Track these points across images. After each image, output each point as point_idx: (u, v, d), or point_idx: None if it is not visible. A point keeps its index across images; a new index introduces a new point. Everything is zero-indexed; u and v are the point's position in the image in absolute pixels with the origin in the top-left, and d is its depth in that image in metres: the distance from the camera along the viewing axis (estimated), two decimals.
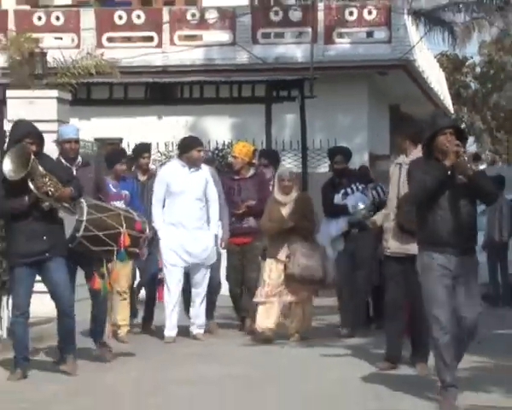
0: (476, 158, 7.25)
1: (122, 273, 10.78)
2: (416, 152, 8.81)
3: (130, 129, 21.63)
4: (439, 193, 7.33)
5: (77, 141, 9.68)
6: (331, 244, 11.46)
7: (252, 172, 11.82)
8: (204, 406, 7.58)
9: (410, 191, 7.74)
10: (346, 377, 8.80)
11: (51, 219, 8.61)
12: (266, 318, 10.75)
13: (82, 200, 9.02)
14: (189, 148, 11.16)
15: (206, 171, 11.24)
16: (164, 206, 11.13)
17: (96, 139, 17.90)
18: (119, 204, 10.62)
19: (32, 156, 8.42)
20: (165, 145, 21.72)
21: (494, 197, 7.81)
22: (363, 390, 8.15)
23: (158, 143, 21.69)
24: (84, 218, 8.93)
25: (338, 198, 11.43)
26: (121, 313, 11.12)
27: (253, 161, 12.13)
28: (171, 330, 11.07)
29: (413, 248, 8.61)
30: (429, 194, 7.36)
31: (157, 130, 22.33)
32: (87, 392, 8.20)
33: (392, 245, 9.04)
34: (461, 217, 7.33)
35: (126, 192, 11.17)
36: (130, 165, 11.99)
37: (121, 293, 11.07)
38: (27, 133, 8.63)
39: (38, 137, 8.70)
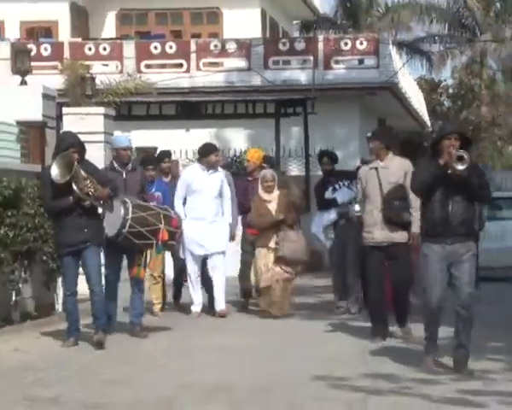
0: (460, 159, 6.95)
1: (156, 261, 10.60)
2: (389, 158, 9.01)
3: (163, 139, 21.53)
4: (435, 188, 7.16)
5: (130, 149, 9.65)
6: (323, 232, 11.32)
7: None
8: (223, 369, 7.53)
9: (411, 185, 7.56)
10: (339, 345, 8.73)
11: (91, 214, 8.59)
12: (270, 297, 10.61)
13: (127, 200, 8.96)
14: (208, 153, 10.95)
15: (221, 173, 11.08)
16: (185, 203, 10.94)
17: (135, 148, 17.84)
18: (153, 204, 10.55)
19: (76, 163, 8.41)
20: (193, 153, 21.67)
21: (485, 196, 7.47)
22: (354, 356, 8.07)
23: (186, 151, 21.70)
24: (130, 216, 8.86)
25: (328, 193, 11.26)
26: (155, 293, 11.06)
27: (264, 165, 12.03)
28: (196, 307, 10.94)
29: (397, 236, 8.82)
30: (425, 187, 7.20)
31: (185, 140, 22.28)
32: (126, 358, 8.16)
33: (378, 235, 8.85)
34: (455, 211, 7.12)
35: (159, 193, 11.10)
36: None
37: (156, 277, 11.03)
38: (71, 144, 8.59)
39: (81, 147, 8.66)
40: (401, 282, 9.03)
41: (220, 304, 10.86)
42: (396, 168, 9.00)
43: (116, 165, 9.59)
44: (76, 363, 7.77)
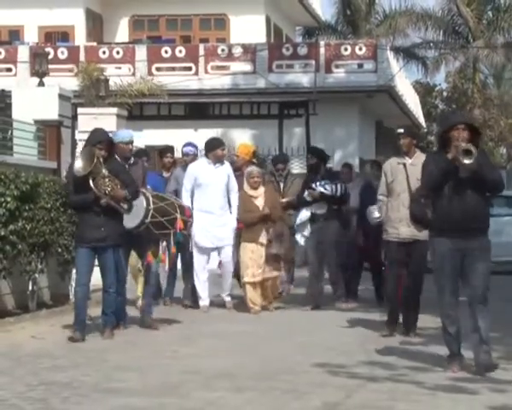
0: (467, 153, 6.49)
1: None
2: (416, 155, 8.58)
3: (172, 139, 21.49)
4: (445, 183, 6.66)
5: (132, 143, 9.30)
6: (297, 229, 10.75)
7: None
8: (226, 356, 7.50)
9: (421, 181, 7.14)
10: (338, 335, 8.68)
11: (111, 214, 8.27)
12: (256, 294, 10.16)
13: (145, 191, 8.76)
14: (214, 147, 10.62)
15: (228, 167, 10.70)
16: (192, 196, 10.62)
17: (146, 146, 17.80)
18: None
19: (96, 158, 8.14)
20: (200, 151, 21.62)
21: (497, 187, 6.80)
22: (353, 345, 8.03)
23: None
24: (152, 206, 8.65)
25: (305, 194, 10.73)
26: (141, 286, 10.39)
27: (254, 160, 11.68)
28: (205, 301, 10.48)
29: (421, 234, 8.20)
30: (435, 183, 6.72)
31: (194, 139, 22.19)
32: (135, 345, 8.12)
33: (404, 232, 8.41)
34: (466, 205, 6.59)
35: (148, 187, 10.56)
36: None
37: (141, 269, 10.37)
38: (100, 140, 8.38)
39: (109, 144, 8.42)
40: (415, 278, 8.55)
41: (226, 295, 10.60)
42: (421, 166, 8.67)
43: (119, 159, 9.12)
44: (88, 350, 7.74)
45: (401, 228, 8.44)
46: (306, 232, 10.67)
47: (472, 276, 6.65)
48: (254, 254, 10.18)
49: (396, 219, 8.47)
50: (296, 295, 11.47)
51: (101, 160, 8.22)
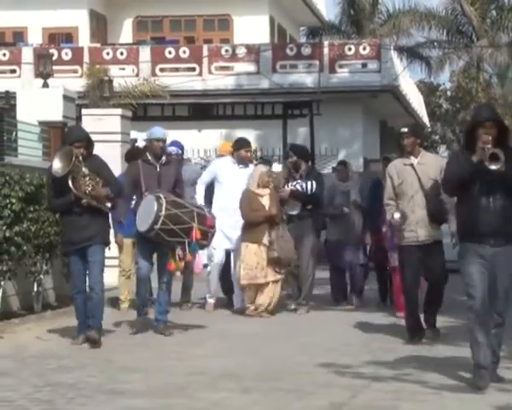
0: (494, 157, 6.01)
1: (127, 253, 10.13)
2: (422, 154, 8.28)
3: (177, 139, 21.57)
4: (470, 184, 6.15)
5: (164, 140, 8.85)
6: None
7: None
8: (231, 357, 7.50)
9: (442, 183, 6.74)
10: (343, 335, 8.68)
11: (94, 212, 7.92)
12: (258, 297, 9.87)
13: (161, 196, 8.38)
14: (239, 147, 10.41)
15: (251, 169, 10.40)
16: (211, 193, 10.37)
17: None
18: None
19: (74, 157, 7.75)
20: (204, 152, 21.70)
21: None
22: (358, 345, 8.03)
23: (198, 150, 21.68)
24: (163, 213, 8.26)
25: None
26: (124, 288, 10.28)
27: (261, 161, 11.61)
28: (212, 299, 10.38)
29: (436, 233, 8.07)
30: (456, 186, 6.23)
31: (198, 140, 22.27)
32: (141, 347, 8.12)
33: (423, 234, 8.04)
34: (494, 209, 6.11)
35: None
36: None
37: (126, 271, 10.27)
38: (77, 138, 7.97)
39: (87, 142, 7.99)
40: (438, 280, 8.27)
41: (239, 300, 10.29)
42: (432, 164, 8.23)
43: (150, 157, 8.83)
44: (93, 351, 7.75)
45: (419, 230, 8.05)
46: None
47: (495, 287, 6.19)
48: (257, 255, 9.87)
49: (412, 221, 8.04)
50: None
51: (80, 158, 7.85)
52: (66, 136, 8.30)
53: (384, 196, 8.36)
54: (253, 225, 9.94)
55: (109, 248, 8.37)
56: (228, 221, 10.13)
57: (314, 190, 10.25)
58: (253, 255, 9.86)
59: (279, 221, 10.01)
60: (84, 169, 7.84)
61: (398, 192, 8.16)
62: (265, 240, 9.88)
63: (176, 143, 10.79)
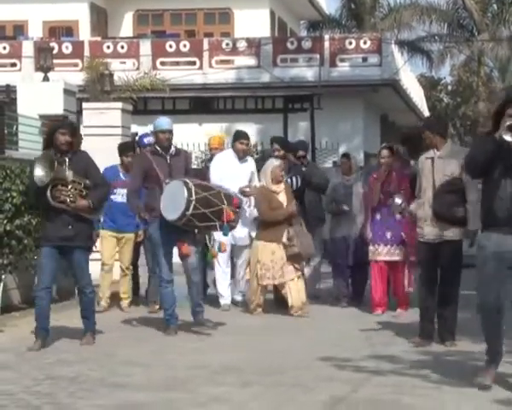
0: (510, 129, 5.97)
1: (125, 251, 9.79)
2: (446, 147, 7.74)
3: (177, 133, 21.55)
4: (493, 167, 5.77)
5: (170, 131, 8.36)
6: (253, 224, 9.96)
7: None
8: (232, 350, 7.51)
9: (464, 160, 6.23)
10: (344, 330, 8.68)
11: (70, 212, 7.47)
12: (262, 296, 9.57)
13: (188, 181, 7.96)
14: (234, 139, 10.06)
15: (252, 164, 10.11)
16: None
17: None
18: (125, 191, 9.32)
19: (56, 163, 7.29)
20: (205, 145, 21.66)
21: None
22: (359, 340, 8.04)
23: (199, 144, 21.69)
24: (194, 197, 7.85)
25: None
26: (123, 286, 9.90)
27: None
28: (226, 299, 9.97)
29: (448, 233, 7.56)
30: (478, 166, 5.85)
31: (198, 134, 22.26)
32: (142, 340, 8.13)
33: (429, 232, 7.61)
34: None
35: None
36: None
37: (124, 269, 9.87)
38: (60, 125, 7.53)
39: (71, 128, 7.52)
40: (450, 284, 7.65)
41: (240, 293, 10.14)
42: (452, 159, 7.63)
43: (159, 149, 8.39)
44: (94, 345, 7.75)
45: (426, 228, 7.65)
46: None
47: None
48: (275, 255, 9.41)
49: (421, 218, 7.70)
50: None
51: (67, 159, 7.39)
52: (50, 125, 7.85)
53: (416, 190, 7.96)
54: (270, 224, 9.48)
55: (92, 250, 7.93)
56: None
57: (299, 185, 10.08)
58: (270, 255, 9.42)
59: (295, 216, 9.63)
60: (67, 173, 7.38)
61: (420, 186, 7.79)
62: (284, 238, 9.46)
63: (150, 134, 10.11)
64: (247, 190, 9.86)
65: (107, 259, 9.82)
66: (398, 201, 8.10)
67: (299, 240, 9.41)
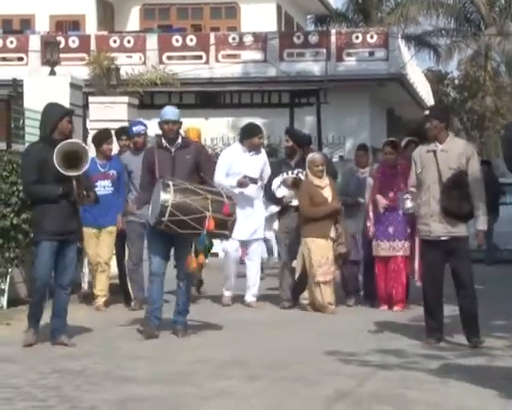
0: None
1: (104, 245, 9.41)
2: (449, 139, 7.44)
3: (183, 127, 21.58)
4: None
5: (175, 122, 7.81)
6: (265, 223, 9.79)
7: None
8: (237, 344, 7.51)
9: (504, 154, 6.06)
10: (349, 325, 8.68)
11: (74, 206, 7.33)
12: (331, 293, 9.23)
13: (170, 183, 7.46)
14: (251, 134, 9.63)
15: (263, 155, 9.76)
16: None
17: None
18: (107, 183, 9.37)
19: (88, 155, 7.10)
20: (211, 140, 21.70)
21: None
22: (364, 334, 8.03)
23: (205, 139, 21.62)
24: (169, 203, 7.36)
25: (274, 185, 9.64)
26: (100, 283, 9.44)
27: (312, 147, 10.28)
28: (228, 292, 9.78)
29: (457, 230, 7.29)
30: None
31: (205, 128, 22.17)
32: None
33: (436, 229, 7.30)
34: None
35: (114, 171, 9.46)
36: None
37: (102, 264, 9.42)
38: (66, 113, 7.26)
39: (72, 116, 7.31)
40: (463, 284, 7.38)
41: (251, 296, 9.71)
42: (457, 152, 7.37)
43: (164, 142, 7.86)
44: (99, 338, 7.77)
45: (432, 225, 7.32)
46: (276, 226, 9.80)
47: None
48: (326, 250, 9.17)
49: (426, 214, 7.36)
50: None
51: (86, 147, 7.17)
52: (51, 112, 7.29)
53: (408, 183, 7.77)
54: (316, 219, 9.17)
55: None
56: (241, 212, 9.16)
57: None
58: (321, 250, 9.16)
59: (340, 213, 9.36)
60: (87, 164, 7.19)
61: (419, 181, 7.48)
62: (332, 234, 9.20)
63: (141, 122, 9.89)
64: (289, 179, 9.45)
65: (94, 257, 9.47)
66: (408, 204, 7.68)
67: (346, 238, 9.18)
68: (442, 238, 7.32)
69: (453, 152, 7.39)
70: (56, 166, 6.97)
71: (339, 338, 7.77)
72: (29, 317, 7.36)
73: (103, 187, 9.31)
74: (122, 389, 5.78)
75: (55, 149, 6.98)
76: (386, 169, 9.50)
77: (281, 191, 9.66)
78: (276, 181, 9.65)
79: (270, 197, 9.83)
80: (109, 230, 9.44)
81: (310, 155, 9.51)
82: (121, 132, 10.08)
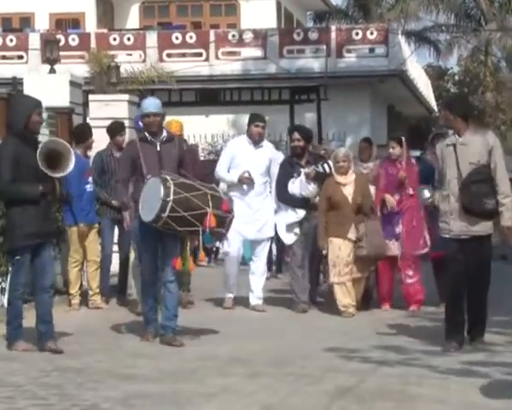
0: None
1: (95, 243, 9.28)
2: (469, 132, 7.02)
3: (184, 125, 21.58)
4: None
5: (156, 114, 7.38)
6: (287, 229, 9.14)
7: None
8: (240, 341, 7.51)
9: None
10: (352, 322, 8.68)
11: (50, 206, 7.03)
12: (345, 296, 8.78)
13: (168, 178, 7.05)
14: (249, 123, 9.18)
15: (269, 149, 9.24)
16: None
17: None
18: (90, 180, 9.20)
19: (72, 154, 6.75)
20: (211, 137, 21.71)
21: None
22: (366, 331, 8.04)
23: (206, 136, 21.68)
24: (171, 198, 6.94)
25: (292, 186, 9.05)
26: (95, 282, 9.28)
27: (333, 142, 10.29)
28: (231, 294, 9.31)
29: (479, 228, 6.95)
30: None
31: (205, 126, 22.25)
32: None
33: (455, 227, 6.93)
34: None
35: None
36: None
37: (96, 262, 9.26)
38: (36, 104, 6.78)
39: (42, 108, 6.86)
40: (479, 283, 7.06)
41: (256, 299, 9.23)
42: (478, 145, 6.97)
43: (147, 135, 7.42)
44: (102, 336, 7.77)
45: (452, 223, 6.94)
46: (297, 230, 9.13)
47: None
48: (342, 251, 8.74)
49: (446, 212, 6.98)
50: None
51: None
52: (20, 104, 6.88)
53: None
54: (337, 218, 8.75)
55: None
56: (245, 210, 8.95)
57: (327, 172, 9.05)
58: (337, 251, 8.75)
59: (368, 212, 8.84)
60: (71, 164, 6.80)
61: (441, 175, 7.08)
62: (352, 235, 8.74)
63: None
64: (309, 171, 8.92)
65: (95, 255, 9.32)
66: (426, 194, 7.35)
67: (369, 240, 8.64)
68: (462, 237, 6.96)
69: (473, 145, 6.97)
70: (41, 166, 6.59)
71: (340, 335, 7.78)
72: (11, 328, 6.96)
73: (90, 184, 9.21)
74: (124, 387, 5.78)
75: (39, 149, 6.62)
76: (390, 166, 9.26)
77: (303, 187, 8.99)
78: (293, 183, 9.04)
79: (285, 200, 9.11)
80: (98, 227, 9.38)
81: (334, 151, 9.12)
82: (121, 128, 9.80)
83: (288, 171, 9.14)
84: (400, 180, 9.11)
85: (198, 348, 7.16)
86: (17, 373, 6.20)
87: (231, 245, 9.15)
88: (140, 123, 8.39)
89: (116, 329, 8.14)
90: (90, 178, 9.24)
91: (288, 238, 9.13)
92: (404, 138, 9.37)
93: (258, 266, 9.25)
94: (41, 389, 5.74)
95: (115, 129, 9.72)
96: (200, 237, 7.13)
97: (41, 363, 6.53)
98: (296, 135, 9.22)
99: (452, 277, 7.03)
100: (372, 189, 9.24)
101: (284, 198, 9.12)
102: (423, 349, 7.02)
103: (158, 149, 7.37)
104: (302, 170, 9.05)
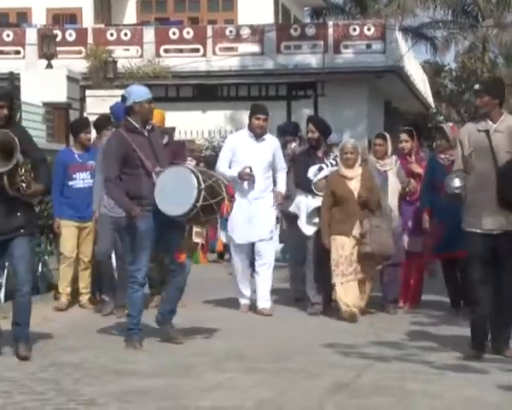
0: None
1: (88, 242, 8.87)
2: (503, 118, 6.46)
3: (181, 121, 21.56)
4: None
5: (152, 101, 6.99)
6: (306, 219, 8.67)
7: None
8: (238, 337, 7.51)
9: None
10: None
11: (16, 200, 6.31)
12: (347, 295, 8.29)
13: (190, 166, 6.75)
14: (250, 115, 8.66)
15: (273, 142, 8.74)
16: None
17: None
18: (85, 175, 8.74)
19: (17, 149, 6.03)
20: (209, 133, 21.72)
21: None
22: (364, 326, 8.04)
23: (203, 131, 21.70)
24: (203, 185, 6.63)
25: (313, 172, 8.60)
26: (83, 281, 8.96)
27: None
28: (245, 300, 8.80)
29: (510, 224, 6.32)
30: None
31: (202, 121, 22.26)
32: (147, 326, 8.13)
33: (489, 222, 6.32)
34: None
35: (93, 162, 8.63)
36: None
37: (85, 262, 8.93)
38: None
39: (9, 99, 6.29)
40: (508, 285, 6.39)
41: (264, 301, 8.65)
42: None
43: (136, 125, 6.87)
44: (99, 332, 7.76)
45: (485, 217, 6.32)
46: (317, 219, 8.59)
47: None
48: (345, 249, 8.27)
49: (476, 205, 6.35)
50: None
51: (16, 139, 6.05)
52: None
53: (453, 167, 6.67)
54: (340, 214, 8.31)
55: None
56: (248, 208, 8.49)
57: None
58: (339, 249, 8.29)
59: (374, 208, 8.32)
60: (20, 157, 6.09)
61: (468, 163, 6.42)
62: (356, 232, 8.28)
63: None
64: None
65: (70, 252, 8.88)
66: (457, 183, 6.38)
67: (374, 237, 8.14)
68: (494, 232, 6.35)
69: (509, 133, 6.40)
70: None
71: (338, 331, 7.78)
72: None
73: (82, 179, 8.74)
74: (121, 382, 5.78)
75: None
76: (404, 160, 8.90)
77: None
78: (314, 168, 8.60)
79: (307, 187, 8.60)
80: (92, 226, 8.78)
81: (341, 143, 8.73)
82: (107, 121, 8.79)
83: (306, 160, 8.72)
84: (413, 173, 8.83)
85: (195, 344, 7.16)
86: (14, 368, 6.19)
87: (238, 249, 8.70)
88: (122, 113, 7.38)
89: (111, 325, 8.14)
90: (85, 174, 8.77)
91: (309, 229, 8.64)
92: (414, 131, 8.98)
93: (263, 265, 8.69)
94: (38, 384, 5.74)
95: (80, 126, 9.02)
96: (218, 223, 6.73)
97: (38, 358, 6.52)
98: (310, 126, 8.82)
99: (479, 280, 6.39)
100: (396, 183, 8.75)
101: (306, 185, 8.62)
102: (420, 345, 7.02)
103: (148, 138, 6.91)
104: (313, 179, 8.58)
